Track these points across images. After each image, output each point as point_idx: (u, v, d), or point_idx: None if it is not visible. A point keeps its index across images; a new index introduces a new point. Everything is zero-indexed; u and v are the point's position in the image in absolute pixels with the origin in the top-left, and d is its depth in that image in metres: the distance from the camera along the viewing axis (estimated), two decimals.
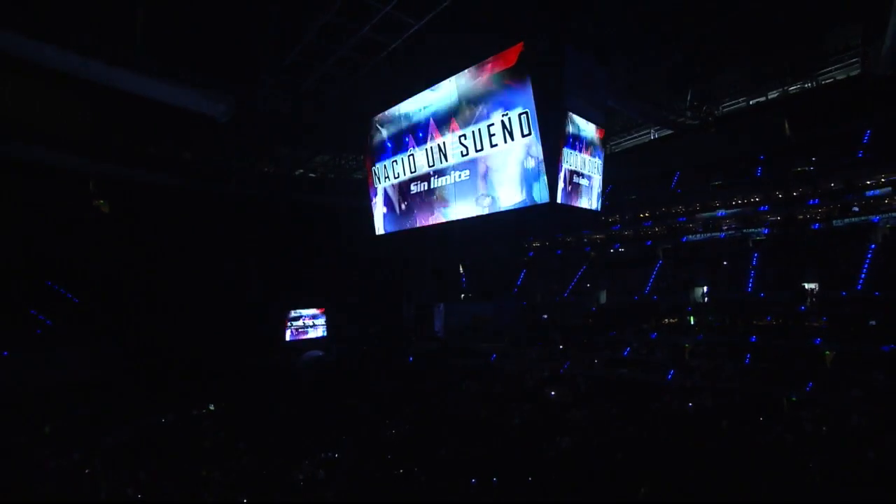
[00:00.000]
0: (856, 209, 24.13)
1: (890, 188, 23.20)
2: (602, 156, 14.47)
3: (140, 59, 15.57)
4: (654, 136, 28.03)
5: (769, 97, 23.65)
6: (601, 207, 14.79)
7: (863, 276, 22.13)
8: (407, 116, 15.46)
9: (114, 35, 14.92)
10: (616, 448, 16.09)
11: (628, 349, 25.82)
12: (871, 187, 23.73)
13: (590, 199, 14.03)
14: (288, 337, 28.86)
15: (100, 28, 14.68)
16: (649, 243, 31.16)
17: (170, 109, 18.05)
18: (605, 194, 32.52)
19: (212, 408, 20.34)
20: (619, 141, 29.07)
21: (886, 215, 23.21)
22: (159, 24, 15.02)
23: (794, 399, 19.11)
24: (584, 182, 13.68)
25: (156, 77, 16.27)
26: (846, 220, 24.29)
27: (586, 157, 13.63)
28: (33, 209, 23.34)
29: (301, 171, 29.91)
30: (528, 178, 12.56)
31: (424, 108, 14.74)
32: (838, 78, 21.64)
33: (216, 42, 16.21)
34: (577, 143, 13.18)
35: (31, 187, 22.61)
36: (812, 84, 22.22)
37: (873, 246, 22.77)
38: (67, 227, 24.14)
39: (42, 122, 19.66)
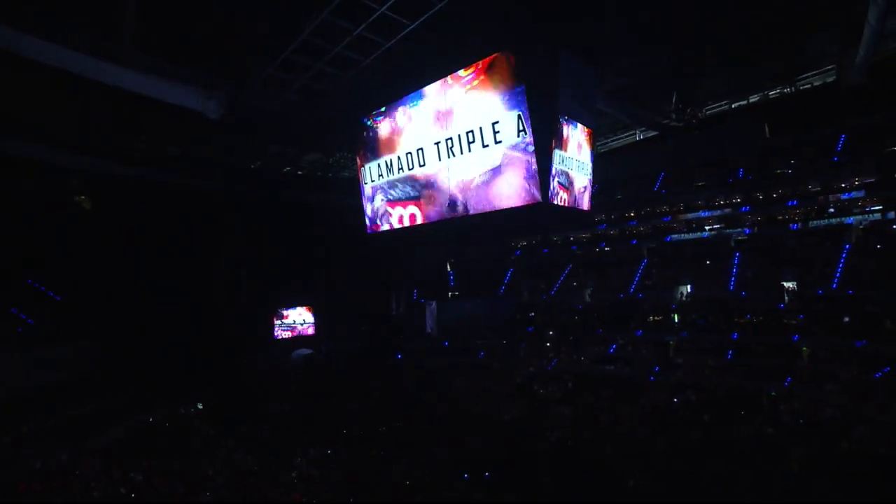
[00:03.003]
0: (832, 210, 25.03)
1: (864, 191, 24.13)
2: (592, 157, 14.81)
3: (129, 54, 15.31)
4: (639, 137, 28.56)
5: (750, 101, 24.35)
6: (593, 208, 15.10)
7: (837, 275, 22.98)
8: (399, 117, 15.57)
9: (102, 29, 14.66)
10: (603, 442, 16.50)
11: (614, 346, 26.35)
12: (845, 189, 24.63)
13: (581, 200, 14.35)
14: (276, 335, 28.67)
15: (88, 22, 14.42)
16: (634, 242, 31.77)
17: (157, 104, 17.77)
18: (592, 194, 32.95)
19: (200, 406, 20.18)
20: (605, 141, 29.50)
21: (860, 217, 24.14)
22: (149, 19, 14.79)
23: (773, 393, 19.81)
24: (575, 183, 13.98)
25: (145, 72, 16.02)
26: (823, 221, 25.17)
27: (577, 158, 13.94)
28: (14, 205, 22.75)
29: (289, 168, 29.70)
30: (519, 179, 12.78)
31: (417, 108, 14.86)
32: (815, 84, 22.43)
33: (207, 38, 16.01)
34: (568, 144, 13.47)
35: (12, 182, 22.03)
36: (791, 89, 22.96)
37: (848, 246, 23.66)
38: (50, 224, 23.59)
39: (24, 116, 19.19)
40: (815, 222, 25.38)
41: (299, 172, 30.04)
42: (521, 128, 12.49)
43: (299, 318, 29.62)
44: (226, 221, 28.67)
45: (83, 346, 21.10)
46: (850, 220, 24.33)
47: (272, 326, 28.50)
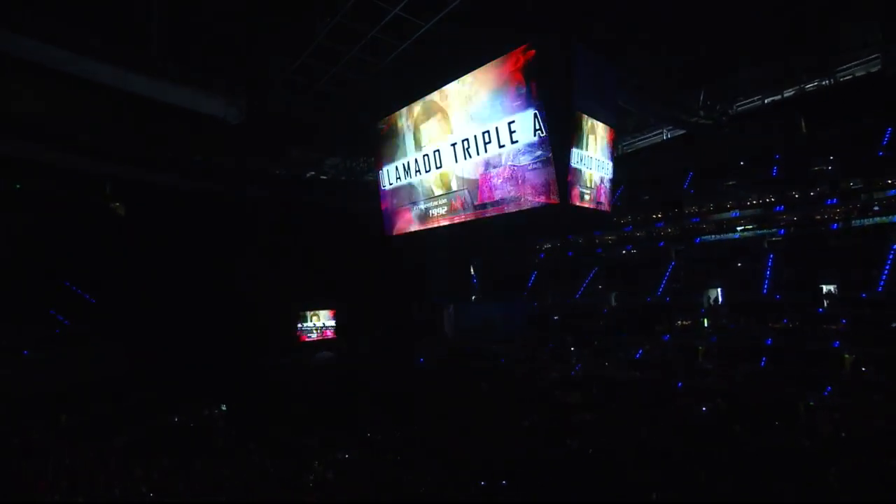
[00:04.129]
0: (876, 208, 23.53)
1: None
2: (613, 156, 14.34)
3: (152, 62, 15.75)
4: (666, 136, 27.66)
5: (785, 95, 23.20)
6: (612, 208, 14.63)
7: (883, 277, 21.59)
8: (417, 118, 15.49)
9: (126, 39, 15.13)
10: (627, 451, 15.90)
11: (640, 351, 25.52)
12: (891, 186, 23.14)
13: (601, 200, 13.90)
14: (299, 338, 29.00)
15: (112, 32, 14.90)
16: (662, 244, 30.76)
17: (184, 112, 18.31)
18: (617, 195, 32.23)
19: (223, 408, 20.55)
20: (631, 141, 28.70)
21: None
22: (170, 28, 15.19)
23: (811, 403, 18.70)
24: (594, 183, 13.56)
25: (167, 80, 16.49)
26: (866, 221, 23.69)
27: (597, 157, 13.52)
28: (52, 211, 23.85)
29: (313, 173, 30.11)
30: (537, 180, 12.47)
31: (434, 109, 14.74)
32: (857, 75, 21.18)
33: (227, 45, 16.37)
34: (588, 143, 13.07)
35: (50, 190, 23.10)
36: (830, 82, 21.75)
37: (894, 246, 22.20)
38: (85, 229, 24.60)
39: (60, 126, 20.06)
40: (857, 222, 23.90)
41: (322, 177, 30.43)
42: (537, 127, 12.19)
43: (321, 322, 29.90)
44: (249, 225, 29.25)
45: (114, 347, 21.84)
46: None
47: (294, 329, 28.86)
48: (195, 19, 15.32)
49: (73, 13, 13.97)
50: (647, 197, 32.40)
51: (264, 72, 17.33)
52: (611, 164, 14.14)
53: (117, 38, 15.03)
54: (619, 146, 28.36)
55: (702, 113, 23.65)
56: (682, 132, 26.22)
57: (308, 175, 29.86)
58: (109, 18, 14.77)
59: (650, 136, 28.31)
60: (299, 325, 29.08)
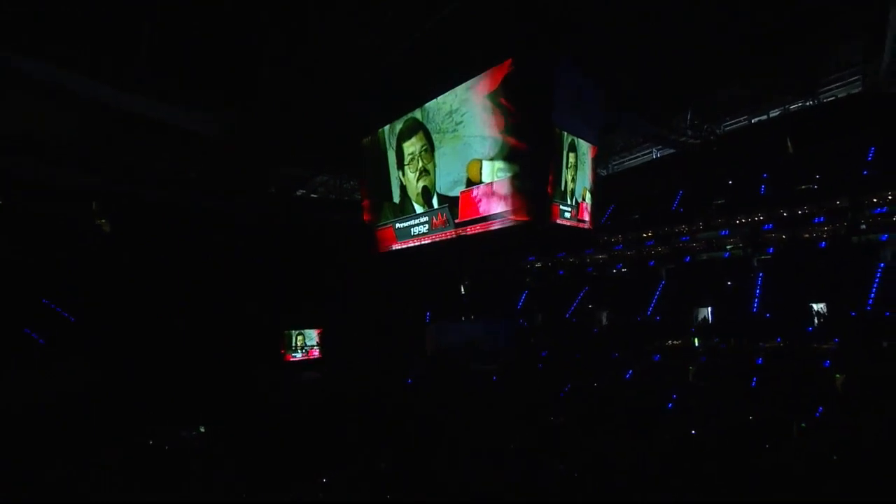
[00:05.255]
0: (863, 227, 23.64)
1: None
2: (594, 173, 14.31)
3: (139, 78, 15.73)
4: (656, 155, 27.96)
5: (771, 116, 23.54)
6: (602, 227, 14.56)
7: (872, 295, 21.51)
8: (399, 135, 15.48)
9: (113, 55, 15.14)
10: (616, 474, 15.46)
11: (630, 372, 25.15)
12: (877, 205, 23.29)
13: (583, 218, 13.80)
14: (285, 358, 28.44)
15: (100, 48, 14.91)
16: (652, 263, 30.70)
17: (166, 127, 18.30)
18: (608, 214, 32.19)
19: (202, 430, 19.98)
20: (620, 160, 28.95)
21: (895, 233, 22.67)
22: (157, 44, 15.19)
23: (803, 425, 18.33)
24: (576, 201, 13.48)
25: (156, 97, 16.51)
26: (854, 239, 23.78)
27: (578, 175, 13.47)
28: (31, 225, 23.51)
29: (303, 191, 30.10)
30: (517, 197, 12.37)
31: (415, 126, 14.74)
32: (840, 95, 21.54)
33: (214, 61, 16.37)
34: (569, 161, 13.04)
35: (29, 203, 22.85)
36: (814, 102, 22.10)
37: (882, 265, 22.20)
38: (68, 245, 24.24)
39: (40, 139, 19.92)
40: (844, 240, 23.99)
41: (312, 196, 30.42)
42: (517, 143, 12.14)
43: (307, 341, 29.39)
44: (238, 243, 29.03)
45: (91, 368, 21.20)
46: (884, 236, 22.89)
47: (280, 349, 28.33)
48: (181, 35, 15.34)
49: (54, 28, 13.97)
50: (636, 216, 32.46)
51: (252, 88, 17.33)
52: (592, 182, 14.10)
53: (105, 54, 15.04)
54: (610, 165, 28.61)
55: (689, 132, 23.90)
56: (671, 151, 26.50)
57: (298, 193, 29.88)
58: (97, 34, 14.77)
59: (640, 156, 28.62)
60: (284, 345, 28.54)
